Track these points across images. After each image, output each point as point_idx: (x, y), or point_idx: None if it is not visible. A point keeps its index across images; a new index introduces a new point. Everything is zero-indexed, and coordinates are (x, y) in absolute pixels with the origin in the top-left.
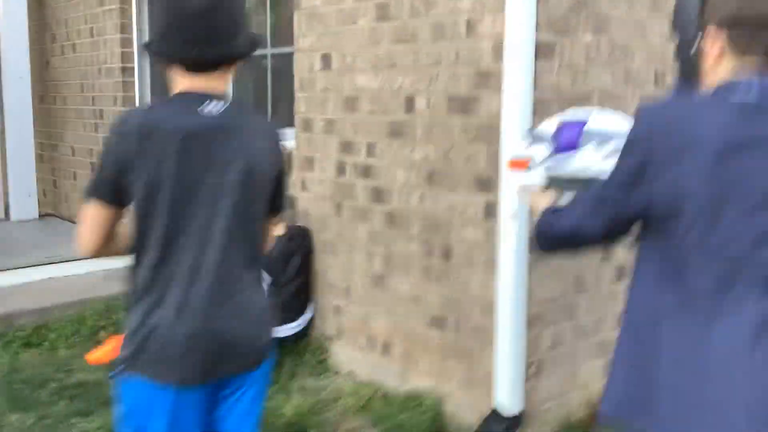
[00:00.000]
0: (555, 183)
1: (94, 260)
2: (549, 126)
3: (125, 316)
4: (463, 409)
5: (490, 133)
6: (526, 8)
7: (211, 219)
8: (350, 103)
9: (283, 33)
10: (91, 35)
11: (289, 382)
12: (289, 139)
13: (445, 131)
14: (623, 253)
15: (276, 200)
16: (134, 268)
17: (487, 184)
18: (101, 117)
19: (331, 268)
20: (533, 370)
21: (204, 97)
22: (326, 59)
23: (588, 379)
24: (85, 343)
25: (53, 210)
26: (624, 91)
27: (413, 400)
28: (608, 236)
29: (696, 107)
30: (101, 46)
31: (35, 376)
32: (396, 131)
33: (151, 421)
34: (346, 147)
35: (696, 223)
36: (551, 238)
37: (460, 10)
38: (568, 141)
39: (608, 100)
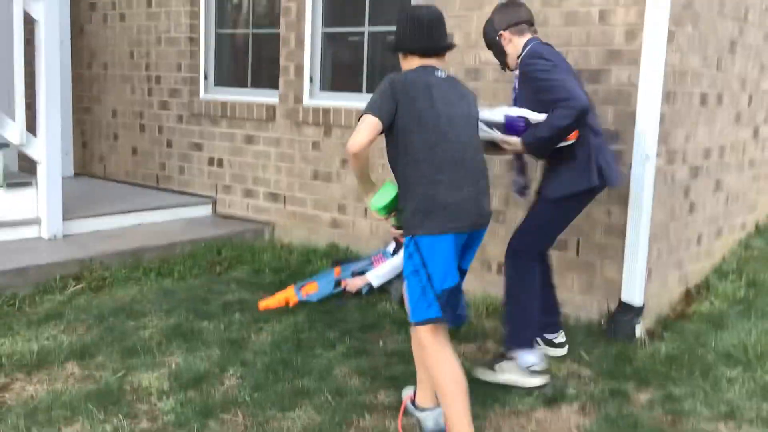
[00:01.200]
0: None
1: (173, 209)
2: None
3: (403, 200)
4: (580, 309)
5: (618, 97)
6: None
7: (457, 132)
8: (472, 74)
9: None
10: (149, 5)
11: None
12: None
13: None
14: (695, 192)
15: None
16: (401, 167)
17: (615, 136)
18: (158, 82)
19: None
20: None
21: (435, 69)
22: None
23: (672, 284)
24: (206, 275)
25: (81, 170)
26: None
27: None
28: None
29: None
30: (162, 16)
31: (191, 297)
32: None
33: (438, 258)
34: None
35: None
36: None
37: (592, 3)
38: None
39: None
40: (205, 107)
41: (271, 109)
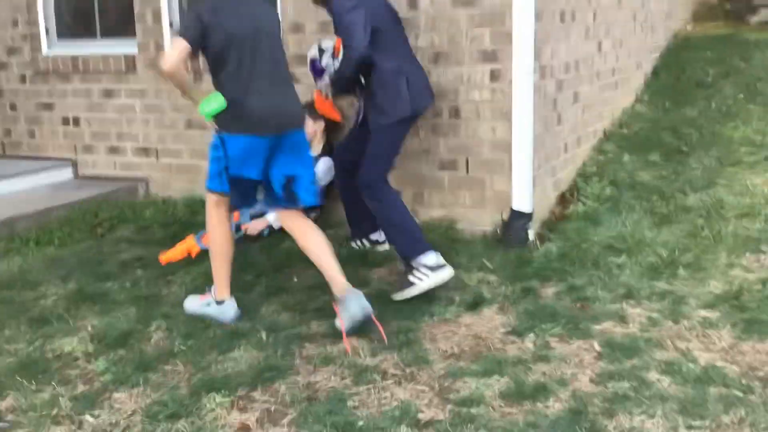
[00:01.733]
0: None
1: (31, 176)
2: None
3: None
4: (474, 223)
5: (493, 19)
6: None
7: (263, 48)
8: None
9: None
10: None
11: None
12: None
13: (450, 21)
14: (561, 104)
15: None
16: (219, 80)
17: (492, 55)
18: None
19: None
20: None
21: None
22: None
23: (549, 190)
24: (88, 239)
25: None
26: None
27: (428, 225)
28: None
29: None
30: None
31: (82, 261)
32: None
33: (239, 154)
34: None
35: None
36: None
37: None
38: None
39: None
40: (52, 64)
41: (130, 60)
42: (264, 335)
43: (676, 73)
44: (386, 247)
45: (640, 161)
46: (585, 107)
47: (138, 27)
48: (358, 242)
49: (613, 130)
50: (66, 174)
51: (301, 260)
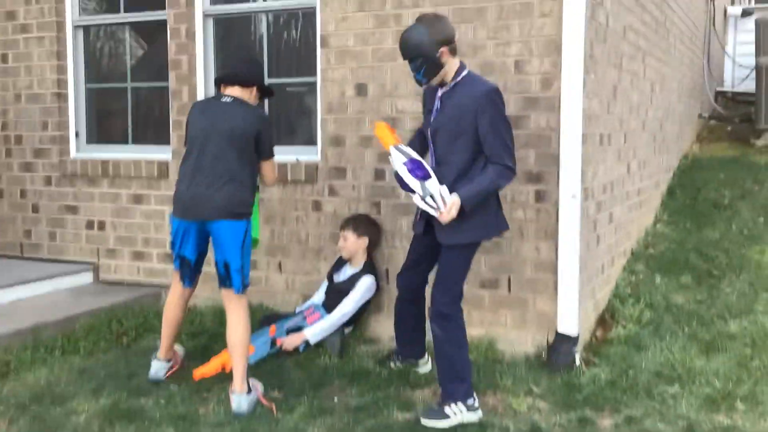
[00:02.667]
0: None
1: (52, 280)
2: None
3: None
4: (515, 344)
5: (538, 141)
6: (577, 51)
7: (210, 143)
8: (390, 123)
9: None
10: (3, 61)
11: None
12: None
13: None
14: (600, 225)
15: (260, 150)
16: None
17: (537, 177)
18: (18, 142)
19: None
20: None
21: (222, 95)
22: (361, 87)
23: (590, 312)
24: (115, 348)
25: None
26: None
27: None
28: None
29: None
30: (21, 72)
31: (111, 373)
32: None
33: (177, 236)
34: (384, 157)
35: None
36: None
37: (507, 54)
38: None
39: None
40: (81, 167)
41: (163, 166)
42: None
43: (691, 193)
44: (427, 368)
45: (672, 283)
46: (617, 227)
47: (173, 135)
48: (398, 362)
49: (640, 250)
50: (86, 278)
51: (341, 378)
